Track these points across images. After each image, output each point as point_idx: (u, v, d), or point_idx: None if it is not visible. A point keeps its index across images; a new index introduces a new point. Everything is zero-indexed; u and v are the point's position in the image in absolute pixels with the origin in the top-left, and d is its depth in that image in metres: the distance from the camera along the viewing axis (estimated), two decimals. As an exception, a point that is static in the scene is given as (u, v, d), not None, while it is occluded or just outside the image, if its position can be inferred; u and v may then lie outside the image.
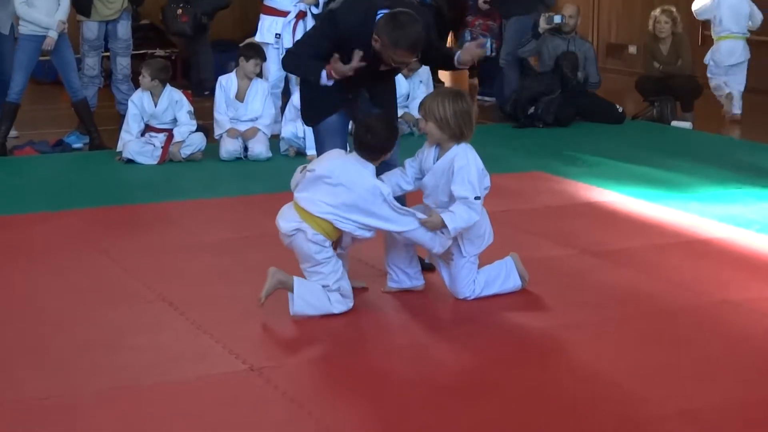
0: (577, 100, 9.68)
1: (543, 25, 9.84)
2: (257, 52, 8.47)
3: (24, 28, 8.48)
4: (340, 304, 4.71)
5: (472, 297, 4.91)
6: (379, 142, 4.73)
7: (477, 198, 4.74)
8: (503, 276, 5.00)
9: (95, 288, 5.16)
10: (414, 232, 4.73)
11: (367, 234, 4.74)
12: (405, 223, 4.72)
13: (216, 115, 8.40)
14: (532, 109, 9.55)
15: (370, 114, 4.93)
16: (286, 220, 4.75)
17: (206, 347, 4.40)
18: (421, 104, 4.88)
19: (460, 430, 3.64)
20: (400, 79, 8.95)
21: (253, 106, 8.41)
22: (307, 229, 4.67)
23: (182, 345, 4.44)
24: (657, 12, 9.95)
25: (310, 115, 5.29)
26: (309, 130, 7.81)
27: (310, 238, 4.66)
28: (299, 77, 5.28)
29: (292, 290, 4.67)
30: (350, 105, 5.16)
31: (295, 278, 4.68)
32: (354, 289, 4.84)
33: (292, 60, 5.20)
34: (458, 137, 4.81)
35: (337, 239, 4.79)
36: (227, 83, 8.47)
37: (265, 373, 4.10)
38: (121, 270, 5.43)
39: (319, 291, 4.68)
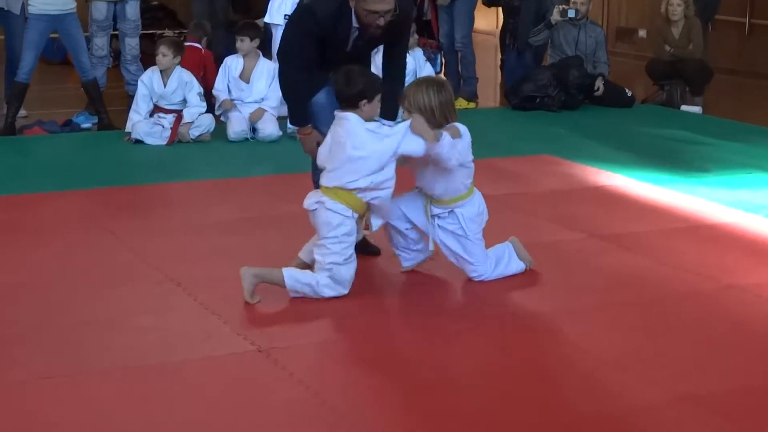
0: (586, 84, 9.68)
1: (556, 16, 9.82)
2: (249, 30, 8.46)
3: (33, 8, 8.49)
4: (328, 289, 4.68)
5: (487, 275, 4.93)
6: (357, 88, 4.68)
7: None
8: (506, 258, 5.01)
9: (103, 268, 5.18)
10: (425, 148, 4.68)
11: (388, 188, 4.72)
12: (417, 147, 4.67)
13: (213, 91, 8.41)
14: (537, 100, 9.54)
15: (348, 67, 4.83)
16: (309, 197, 4.78)
17: (213, 328, 4.41)
18: (404, 96, 4.86)
19: (466, 413, 3.65)
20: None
21: (258, 86, 8.41)
22: (326, 200, 4.68)
23: (189, 325, 4.45)
24: None
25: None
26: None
27: (329, 207, 4.67)
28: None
29: (273, 282, 4.65)
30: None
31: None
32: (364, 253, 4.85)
33: (282, 82, 5.16)
34: (442, 127, 4.79)
35: (364, 215, 4.77)
36: (231, 63, 8.48)
37: (272, 354, 4.11)
38: (128, 250, 5.44)
39: (309, 274, 4.69)
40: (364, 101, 4.69)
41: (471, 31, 10.29)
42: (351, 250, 4.73)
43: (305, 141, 5.14)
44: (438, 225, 4.95)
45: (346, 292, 4.73)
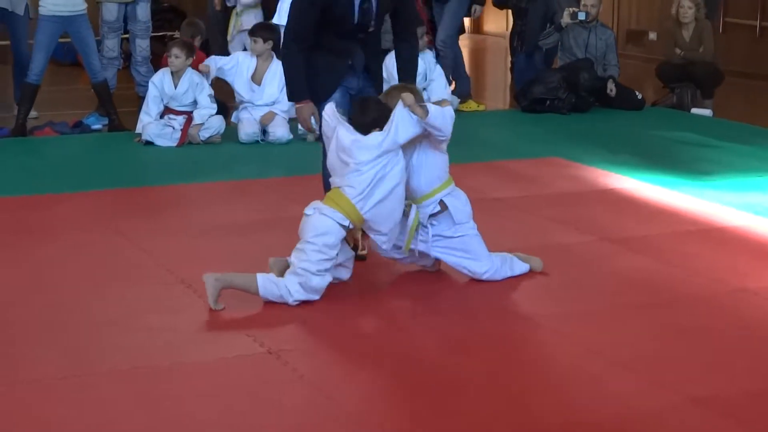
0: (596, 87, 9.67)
1: (566, 19, 9.82)
2: (263, 31, 8.43)
3: (44, 9, 8.51)
4: (297, 293, 4.63)
5: (495, 271, 4.94)
6: (371, 117, 4.80)
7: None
8: (509, 261, 5.03)
9: (113, 269, 5.19)
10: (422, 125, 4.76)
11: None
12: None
13: (205, 61, 8.43)
14: (547, 102, 9.54)
15: (365, 96, 5.02)
16: (310, 205, 4.78)
17: (223, 329, 4.42)
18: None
19: (476, 414, 3.65)
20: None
21: (270, 89, 8.40)
22: (323, 207, 4.70)
23: (199, 326, 4.46)
24: None
25: (316, 91, 5.24)
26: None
27: (324, 212, 4.68)
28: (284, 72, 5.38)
29: (240, 288, 4.62)
30: (352, 73, 5.25)
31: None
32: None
33: (285, 58, 5.27)
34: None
35: (357, 233, 4.77)
36: (244, 61, 8.46)
37: (282, 356, 4.11)
38: (139, 251, 5.45)
39: (279, 279, 4.66)
40: (377, 129, 4.77)
41: (456, 33, 10.23)
42: (328, 264, 4.67)
43: (301, 111, 5.21)
44: (433, 236, 4.94)
45: (316, 297, 4.69)
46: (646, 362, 4.09)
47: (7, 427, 3.54)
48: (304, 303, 4.65)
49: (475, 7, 10.29)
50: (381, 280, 5.05)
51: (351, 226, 4.73)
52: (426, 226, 4.95)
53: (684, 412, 3.68)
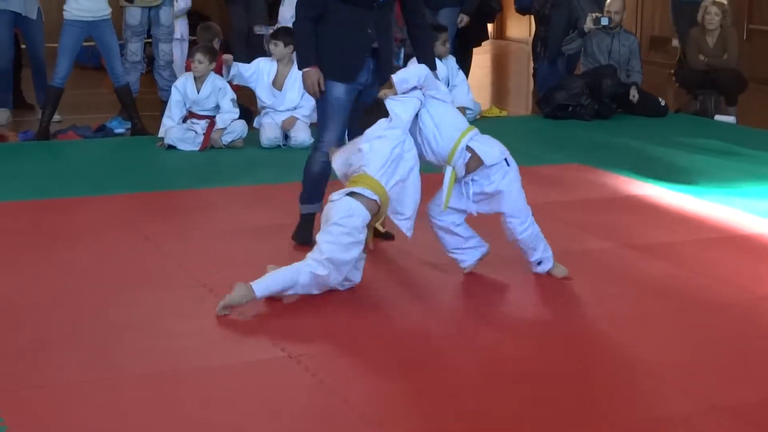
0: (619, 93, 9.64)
1: (589, 25, 9.79)
2: (284, 35, 8.43)
3: (68, 14, 8.55)
4: (320, 268, 4.62)
5: (529, 235, 5.01)
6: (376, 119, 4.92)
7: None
8: (544, 242, 5.09)
9: (136, 272, 5.20)
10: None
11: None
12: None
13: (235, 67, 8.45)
14: (570, 108, 9.52)
15: (373, 102, 5.09)
16: (333, 193, 4.80)
17: (245, 333, 4.42)
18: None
19: (498, 418, 3.64)
20: (437, 62, 9.03)
21: (291, 95, 8.40)
22: (349, 189, 4.70)
23: (221, 330, 4.46)
24: (708, 2, 9.83)
25: (337, 69, 5.33)
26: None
27: (351, 191, 4.68)
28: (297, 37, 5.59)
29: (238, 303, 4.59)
30: (372, 51, 5.34)
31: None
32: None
33: (297, 27, 5.44)
34: None
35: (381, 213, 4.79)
36: (264, 66, 8.47)
37: (303, 360, 4.11)
38: (160, 255, 5.46)
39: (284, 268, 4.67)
40: None
41: (451, 42, 10.20)
42: (357, 248, 4.67)
43: (308, 76, 5.33)
44: (474, 194, 4.98)
45: (340, 278, 4.70)
46: (669, 369, 4.07)
47: (31, 430, 3.54)
48: (326, 308, 4.65)
49: (462, 17, 10.27)
50: (404, 286, 5.04)
51: (378, 201, 4.70)
52: (466, 183, 4.97)
53: (708, 419, 3.66)
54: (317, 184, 5.54)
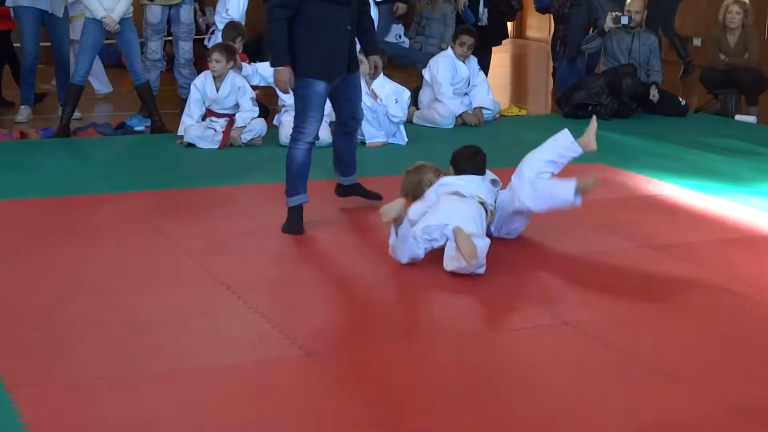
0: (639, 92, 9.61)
1: (609, 24, 9.76)
2: None
3: (88, 12, 8.58)
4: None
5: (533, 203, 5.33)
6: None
7: None
8: (548, 187, 5.39)
9: (155, 269, 5.22)
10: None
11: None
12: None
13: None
14: (590, 108, 9.49)
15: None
16: None
17: (263, 331, 4.43)
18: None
19: (507, 419, 3.63)
20: (459, 64, 9.06)
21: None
22: None
23: (239, 328, 4.47)
24: (729, 1, 9.78)
25: (321, 69, 5.66)
26: (365, 121, 7.84)
27: None
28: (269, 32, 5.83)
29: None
30: (348, 42, 5.74)
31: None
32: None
33: (271, 26, 5.67)
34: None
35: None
36: None
37: (320, 358, 4.12)
38: (180, 252, 5.48)
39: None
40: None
41: (579, 45, 10.21)
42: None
43: (280, 74, 5.66)
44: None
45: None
46: (687, 370, 4.06)
47: (48, 426, 3.56)
48: (344, 306, 4.65)
49: (398, 5, 10.28)
50: (423, 284, 5.04)
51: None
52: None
53: (724, 421, 3.65)
54: (302, 174, 5.80)
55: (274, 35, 5.63)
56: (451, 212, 5.11)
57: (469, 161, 5.57)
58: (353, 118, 6.05)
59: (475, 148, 5.60)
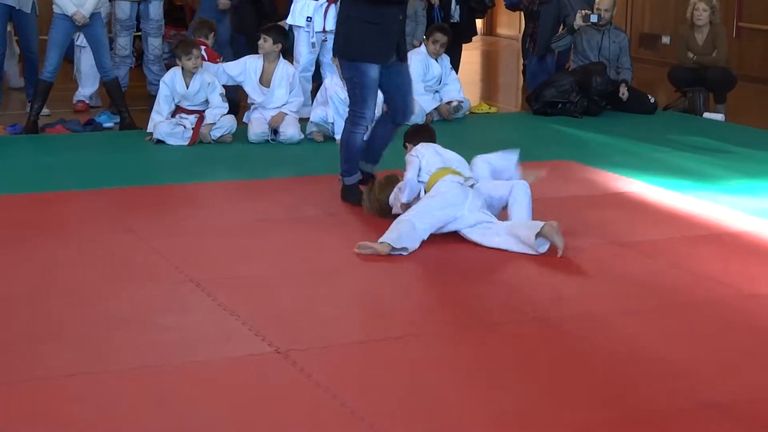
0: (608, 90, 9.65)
1: (578, 22, 9.79)
2: (274, 32, 8.39)
3: (57, 8, 8.53)
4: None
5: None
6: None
7: None
8: (517, 233, 5.47)
9: (123, 267, 5.19)
10: None
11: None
12: None
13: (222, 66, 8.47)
14: (559, 105, 9.52)
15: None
16: None
17: (232, 328, 4.42)
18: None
19: (488, 413, 3.64)
20: (431, 62, 9.09)
21: (279, 92, 8.36)
22: None
23: (208, 325, 4.46)
24: None
25: (377, 53, 6.04)
26: (338, 115, 7.84)
27: None
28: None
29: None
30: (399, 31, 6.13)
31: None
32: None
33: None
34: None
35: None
36: (251, 63, 8.43)
37: (291, 355, 4.11)
38: (149, 249, 5.45)
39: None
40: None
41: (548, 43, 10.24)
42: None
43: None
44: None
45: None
46: (656, 366, 4.08)
47: (17, 424, 3.54)
48: (315, 302, 4.65)
49: None
50: (399, 281, 5.04)
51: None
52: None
53: (696, 416, 3.67)
54: (357, 157, 6.26)
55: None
56: (449, 201, 5.53)
57: (424, 131, 6.17)
58: (404, 112, 6.28)
59: (421, 124, 5.99)
